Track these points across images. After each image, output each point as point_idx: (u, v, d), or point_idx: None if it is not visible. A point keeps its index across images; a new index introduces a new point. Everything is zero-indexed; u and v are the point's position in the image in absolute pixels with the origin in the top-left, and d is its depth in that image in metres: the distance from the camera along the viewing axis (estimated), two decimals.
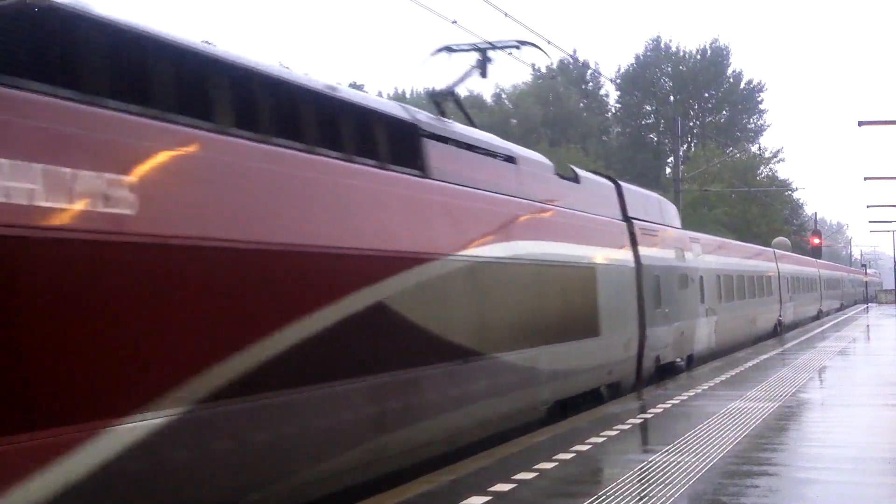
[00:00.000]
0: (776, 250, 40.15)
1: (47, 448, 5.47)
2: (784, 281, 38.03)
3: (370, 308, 8.84)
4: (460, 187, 11.30)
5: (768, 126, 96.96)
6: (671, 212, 22.53)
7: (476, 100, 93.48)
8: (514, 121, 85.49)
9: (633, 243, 17.60)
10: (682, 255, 21.10)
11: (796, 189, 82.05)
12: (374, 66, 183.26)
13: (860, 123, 25.48)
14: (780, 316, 36.31)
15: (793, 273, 41.91)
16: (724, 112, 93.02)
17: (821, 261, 59.16)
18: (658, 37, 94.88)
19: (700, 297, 22.42)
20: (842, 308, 68.25)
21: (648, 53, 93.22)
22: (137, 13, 7.95)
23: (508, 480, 9.01)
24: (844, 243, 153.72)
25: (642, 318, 17.47)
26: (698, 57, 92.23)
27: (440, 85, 14.53)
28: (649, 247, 18.39)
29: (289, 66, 59.24)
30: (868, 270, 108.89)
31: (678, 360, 20.56)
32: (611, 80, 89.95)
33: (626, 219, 17.80)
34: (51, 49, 6.12)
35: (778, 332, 35.38)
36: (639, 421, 12.98)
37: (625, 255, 17.07)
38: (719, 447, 10.73)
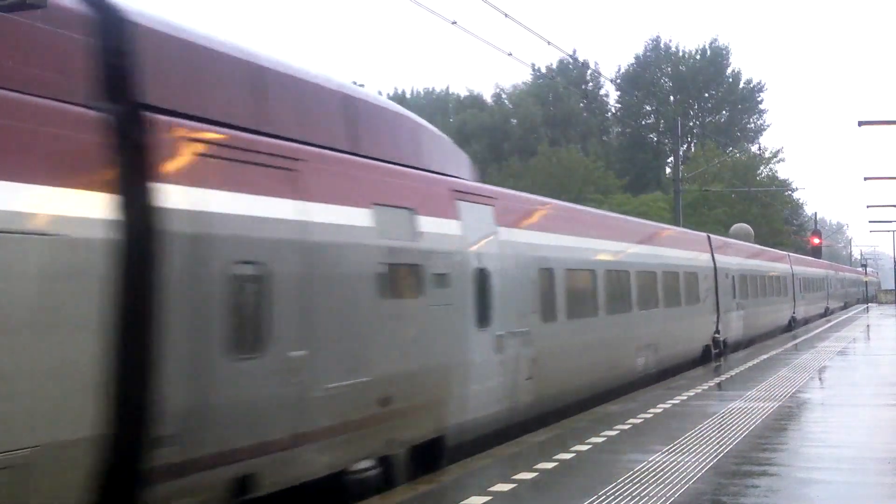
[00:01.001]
0: (712, 236, 27.27)
1: None
2: (725, 281, 26.06)
3: None
4: None
5: (768, 126, 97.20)
6: (412, 135, 11.37)
7: (476, 99, 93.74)
8: (514, 121, 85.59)
9: (134, 173, 6.76)
10: (409, 226, 10.15)
11: (796, 189, 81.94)
12: (374, 66, 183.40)
13: (860, 123, 25.48)
14: (718, 332, 24.90)
15: (744, 270, 29.38)
16: (724, 112, 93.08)
17: (795, 255, 48.06)
18: (658, 37, 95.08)
19: (476, 314, 11.23)
20: (827, 313, 55.52)
21: (648, 53, 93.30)
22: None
23: (508, 480, 9.02)
24: (844, 243, 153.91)
25: (145, 391, 6.66)
26: (698, 57, 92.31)
27: None
28: (236, 191, 7.61)
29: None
30: (867, 270, 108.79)
31: (357, 466, 9.09)
32: (611, 81, 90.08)
33: (131, 107, 6.96)
34: None
35: (715, 355, 24.43)
36: (639, 421, 12.98)
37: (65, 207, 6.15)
38: (719, 447, 10.73)
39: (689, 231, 27.92)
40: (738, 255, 29.83)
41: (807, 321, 44.63)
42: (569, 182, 60.52)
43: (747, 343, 29.13)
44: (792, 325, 39.73)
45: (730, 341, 26.36)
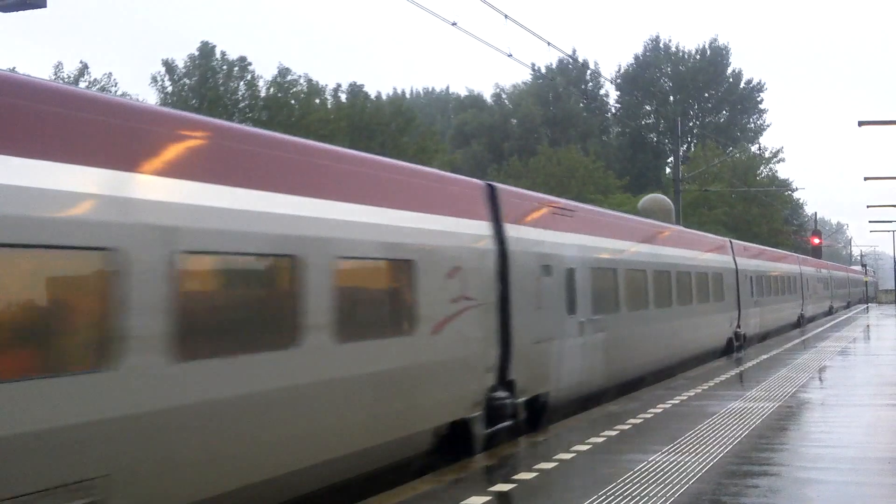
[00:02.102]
0: (502, 187, 13.43)
1: None
2: (543, 281, 13.50)
3: None
4: None
5: (768, 126, 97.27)
6: None
7: (476, 99, 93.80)
8: (514, 121, 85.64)
9: None
10: None
11: (796, 189, 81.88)
12: (374, 67, 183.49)
13: (860, 123, 25.54)
14: (503, 391, 11.98)
15: (603, 260, 16.47)
16: (724, 112, 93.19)
17: (741, 242, 32.31)
18: (657, 36, 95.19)
19: None
20: (802, 323, 42.21)
21: (648, 53, 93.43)
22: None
23: (508, 480, 9.03)
24: (844, 243, 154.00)
25: None
26: (698, 57, 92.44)
27: None
28: None
29: (289, 67, 56.33)
30: (866, 270, 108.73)
31: None
32: (610, 81, 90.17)
33: None
34: None
35: (487, 438, 11.49)
36: (639, 421, 12.98)
37: None
38: (719, 447, 10.74)
39: (412, 167, 11.95)
40: (591, 230, 16.10)
41: (766, 336, 32.48)
42: (569, 182, 60.58)
43: (611, 394, 16.19)
44: (735, 345, 26.88)
45: (556, 399, 13.56)
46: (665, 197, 30.57)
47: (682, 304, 21.23)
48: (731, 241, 29.08)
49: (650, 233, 20.75)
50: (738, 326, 27.60)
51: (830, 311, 57.12)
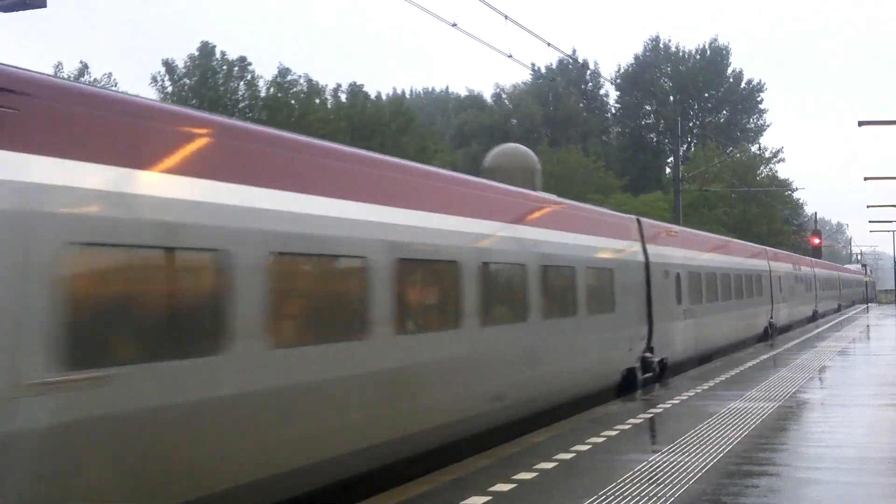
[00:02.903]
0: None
1: None
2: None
3: None
4: None
5: (768, 126, 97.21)
6: None
7: (476, 99, 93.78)
8: (514, 121, 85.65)
9: None
10: None
11: (796, 189, 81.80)
12: (374, 67, 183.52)
13: (860, 123, 25.56)
14: None
15: (325, 242, 8.46)
16: (724, 112, 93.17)
17: (668, 226, 22.70)
18: (657, 36, 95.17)
19: None
20: (771, 335, 33.23)
21: (648, 53, 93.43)
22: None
23: (508, 480, 9.03)
24: (844, 243, 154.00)
25: None
26: (698, 57, 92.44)
27: None
28: None
29: (289, 67, 56.29)
30: (867, 270, 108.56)
31: None
32: (610, 81, 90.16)
33: None
34: None
35: None
36: (639, 421, 12.98)
37: None
38: (719, 447, 10.74)
39: None
40: (257, 177, 7.78)
41: (707, 358, 23.62)
42: (569, 182, 60.57)
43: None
44: (639, 379, 17.74)
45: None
46: (528, 151, 17.63)
47: (497, 323, 11.95)
48: (639, 221, 19.17)
49: (420, 192, 10.78)
50: (649, 350, 18.32)
51: (814, 317, 47.37)
